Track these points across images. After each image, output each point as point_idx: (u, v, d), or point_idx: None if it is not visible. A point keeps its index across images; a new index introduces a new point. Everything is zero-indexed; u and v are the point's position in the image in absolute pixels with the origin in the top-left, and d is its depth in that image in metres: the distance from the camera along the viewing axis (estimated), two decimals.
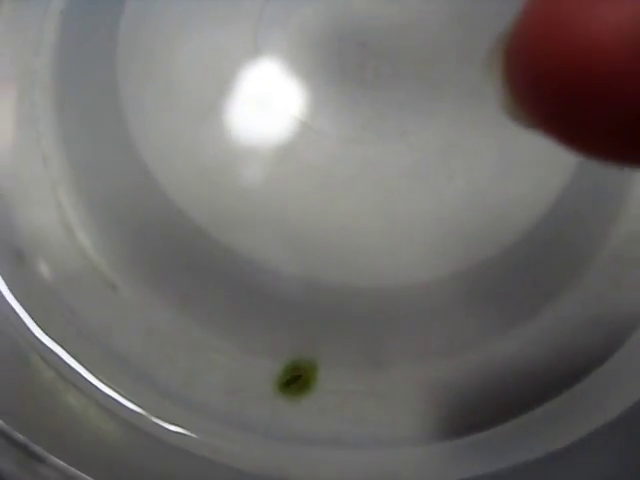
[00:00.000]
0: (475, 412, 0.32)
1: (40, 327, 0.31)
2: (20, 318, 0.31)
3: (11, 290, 0.31)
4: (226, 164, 0.32)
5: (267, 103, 0.33)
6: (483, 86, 0.33)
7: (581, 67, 0.15)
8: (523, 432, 0.32)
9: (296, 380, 0.31)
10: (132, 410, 0.31)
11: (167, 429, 0.31)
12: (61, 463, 0.27)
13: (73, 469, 0.27)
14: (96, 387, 0.31)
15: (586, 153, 0.16)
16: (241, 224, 0.32)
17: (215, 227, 0.32)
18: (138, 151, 0.32)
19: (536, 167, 0.33)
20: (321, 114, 0.33)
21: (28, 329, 0.31)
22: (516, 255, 0.33)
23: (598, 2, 0.15)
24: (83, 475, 0.27)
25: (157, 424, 0.31)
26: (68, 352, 0.31)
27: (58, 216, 0.33)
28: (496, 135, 0.33)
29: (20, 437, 0.27)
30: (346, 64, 0.34)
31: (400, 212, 0.32)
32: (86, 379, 0.31)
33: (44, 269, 0.32)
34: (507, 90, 0.17)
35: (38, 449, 0.27)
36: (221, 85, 0.33)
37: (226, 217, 0.32)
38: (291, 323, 0.32)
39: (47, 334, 0.31)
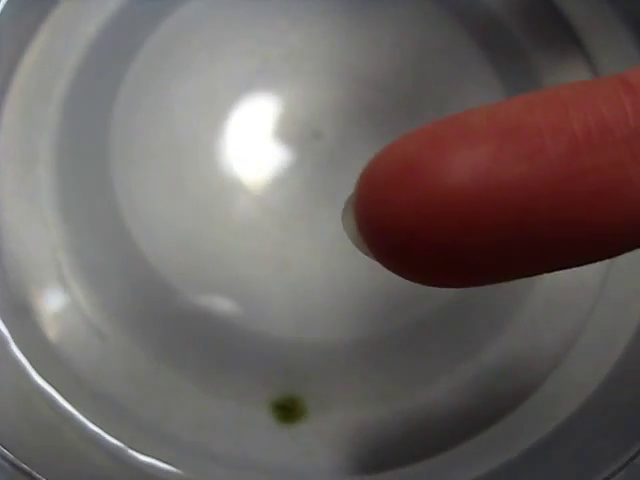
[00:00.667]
0: (397, 449, 0.38)
1: (39, 373, 0.37)
2: (23, 365, 0.37)
3: (16, 342, 0.37)
4: (198, 234, 0.39)
5: (231, 183, 0.39)
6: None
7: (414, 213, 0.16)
8: (445, 467, 0.38)
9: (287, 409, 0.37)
10: (114, 443, 0.37)
11: (143, 459, 0.37)
12: None
13: None
14: (85, 424, 0.37)
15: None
16: (209, 285, 0.38)
17: (188, 287, 0.38)
18: (125, 222, 0.39)
19: None
20: (278, 192, 0.39)
21: (29, 375, 0.37)
22: (443, 316, 0.39)
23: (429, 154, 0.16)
24: None
25: (134, 455, 0.37)
26: (62, 394, 0.37)
27: (57, 275, 0.39)
28: None
29: (24, 466, 0.33)
30: (302, 149, 0.40)
31: (340, 277, 0.39)
32: (77, 417, 0.37)
33: (44, 321, 0.38)
34: (357, 229, 0.18)
35: (38, 476, 0.33)
36: (191, 166, 0.39)
37: (197, 279, 0.38)
38: (250, 372, 0.38)
39: (45, 379, 0.37)
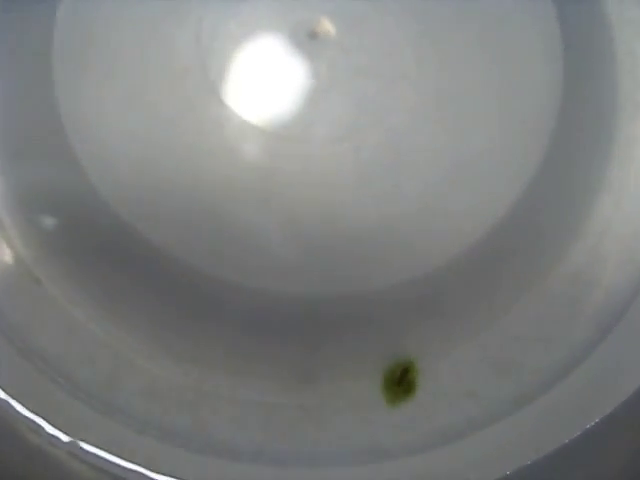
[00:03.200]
0: (407, 432, 0.30)
1: None
2: None
3: None
4: (159, 158, 0.31)
5: (210, 98, 0.31)
6: (440, 82, 0.31)
7: None
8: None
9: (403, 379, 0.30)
10: (45, 409, 0.29)
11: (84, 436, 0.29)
12: None
13: None
14: (10, 385, 0.29)
15: None
16: (171, 222, 0.30)
17: (144, 224, 0.30)
18: (69, 139, 0.31)
19: (491, 173, 0.31)
20: (265, 110, 0.31)
21: None
22: (463, 267, 0.31)
23: None
24: None
25: (73, 426, 0.29)
26: None
27: None
28: (450, 137, 0.31)
29: None
30: (297, 55, 0.31)
31: (341, 217, 0.30)
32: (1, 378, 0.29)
33: None
34: None
35: None
36: (158, 76, 0.31)
37: (156, 214, 0.30)
38: (218, 329, 0.30)
39: None
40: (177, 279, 0.30)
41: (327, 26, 0.31)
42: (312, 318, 0.30)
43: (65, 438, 0.28)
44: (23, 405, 0.29)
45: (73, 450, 0.28)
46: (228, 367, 0.30)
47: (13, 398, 0.29)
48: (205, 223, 0.30)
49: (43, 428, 0.28)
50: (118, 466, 0.28)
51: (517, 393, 0.31)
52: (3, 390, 0.29)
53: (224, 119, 0.30)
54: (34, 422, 0.29)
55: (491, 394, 0.31)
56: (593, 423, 0.29)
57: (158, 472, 0.29)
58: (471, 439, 0.30)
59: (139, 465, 0.29)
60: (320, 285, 0.30)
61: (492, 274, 0.31)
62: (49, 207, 0.31)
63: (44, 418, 0.29)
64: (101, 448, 0.29)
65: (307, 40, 0.31)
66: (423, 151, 0.31)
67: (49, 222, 0.31)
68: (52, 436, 0.28)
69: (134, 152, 0.31)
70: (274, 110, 0.31)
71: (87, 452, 0.28)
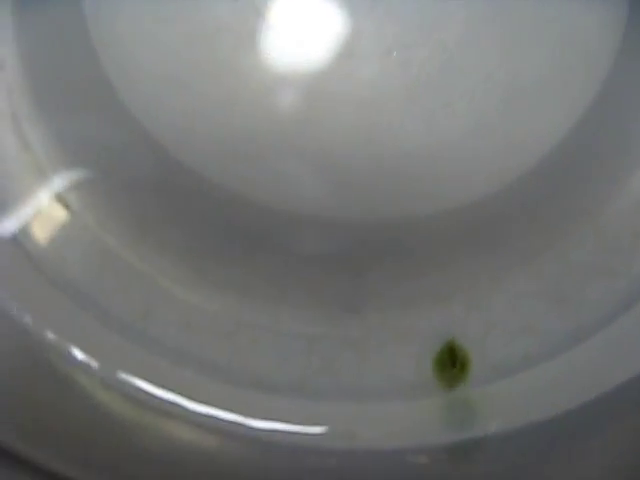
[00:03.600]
0: (460, 368, 0.28)
1: None
2: None
3: None
4: (193, 77, 0.29)
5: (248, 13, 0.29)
6: None
7: None
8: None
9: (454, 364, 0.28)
10: (80, 341, 0.28)
11: (117, 366, 0.28)
12: None
13: None
14: (42, 314, 0.28)
15: None
16: (206, 144, 0.29)
17: (178, 145, 0.29)
18: (100, 62, 0.29)
19: (548, 96, 0.29)
20: (305, 22, 0.29)
21: None
22: (519, 192, 0.29)
23: None
24: None
25: (106, 355, 0.28)
26: (15, 279, 0.28)
27: (12, 127, 0.30)
28: (504, 56, 0.29)
29: None
30: None
31: (388, 139, 0.29)
32: (32, 306, 0.28)
33: None
34: None
35: None
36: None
37: (191, 137, 0.29)
38: (258, 256, 0.29)
39: None
40: (214, 204, 0.29)
41: None
42: (358, 245, 0.29)
43: (97, 365, 0.27)
44: (55, 334, 0.28)
45: (106, 378, 0.27)
46: (268, 296, 0.29)
47: (45, 327, 0.28)
48: (242, 147, 0.29)
49: (75, 356, 0.27)
50: (152, 396, 0.27)
51: (576, 327, 0.29)
52: (34, 319, 0.28)
53: (262, 32, 0.29)
54: (67, 350, 0.27)
55: (548, 328, 0.29)
56: None
57: (195, 403, 0.27)
58: (527, 375, 0.28)
59: (175, 395, 0.27)
60: (366, 211, 0.29)
61: (548, 199, 0.29)
62: (79, 129, 0.30)
63: (77, 346, 0.27)
64: (136, 377, 0.27)
65: None
66: (475, 69, 0.29)
67: (79, 145, 0.30)
68: (84, 364, 0.27)
69: (167, 71, 0.29)
70: (315, 21, 0.29)
71: (120, 380, 0.27)
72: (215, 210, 0.29)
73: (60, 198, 0.29)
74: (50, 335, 0.28)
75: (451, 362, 0.28)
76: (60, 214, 0.29)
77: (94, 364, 0.27)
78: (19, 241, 0.29)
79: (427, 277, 0.29)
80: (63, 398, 0.27)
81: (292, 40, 0.29)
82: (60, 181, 0.29)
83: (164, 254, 0.29)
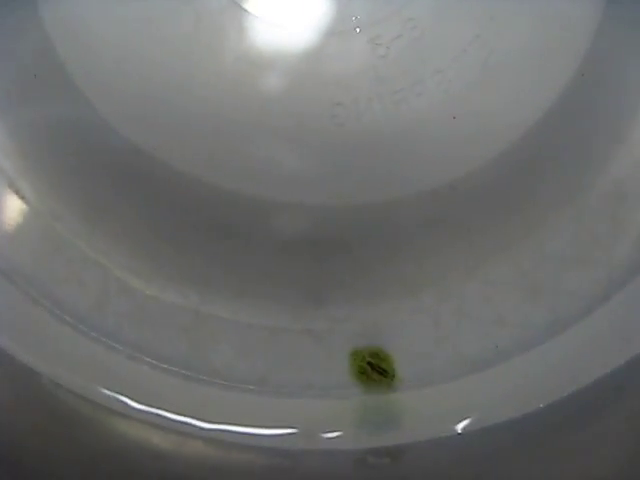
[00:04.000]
0: (428, 360, 0.27)
1: None
2: None
3: None
4: (151, 57, 0.27)
5: None
6: None
7: None
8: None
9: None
10: (29, 334, 0.27)
11: (68, 361, 0.26)
12: None
13: None
14: None
15: None
16: (160, 124, 0.27)
17: (131, 126, 0.27)
18: (52, 42, 0.27)
19: (525, 71, 0.27)
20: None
21: None
22: (492, 176, 0.27)
23: None
24: None
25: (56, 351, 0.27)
26: None
27: None
28: (479, 29, 0.27)
29: None
30: None
31: (354, 120, 0.27)
32: None
33: None
34: None
35: None
36: None
37: (148, 121, 0.27)
38: (217, 245, 0.27)
39: None
40: (171, 189, 0.27)
41: None
42: (323, 231, 0.27)
43: (46, 361, 0.25)
44: (3, 326, 0.26)
45: (55, 375, 0.25)
46: (229, 287, 0.27)
47: None
48: (201, 129, 0.27)
49: (24, 351, 0.26)
50: (104, 394, 0.26)
51: (551, 319, 0.27)
52: None
53: (227, 8, 0.27)
54: (15, 343, 0.26)
55: (522, 319, 0.27)
56: (636, 353, 0.26)
57: (148, 404, 0.26)
58: (499, 369, 0.27)
59: (126, 396, 0.26)
60: (331, 195, 0.27)
61: (525, 184, 0.28)
62: (29, 113, 0.28)
63: (25, 340, 0.26)
64: (86, 376, 0.26)
65: None
66: (448, 45, 0.27)
67: (30, 129, 0.28)
68: (33, 359, 0.25)
69: (123, 50, 0.27)
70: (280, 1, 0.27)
71: (71, 377, 0.25)
72: (173, 196, 0.27)
73: (12, 185, 0.28)
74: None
75: (373, 369, 0.27)
76: (10, 201, 0.28)
77: (43, 359, 0.26)
78: None
79: (396, 266, 0.27)
80: (11, 395, 0.25)
81: (258, 16, 0.27)
82: (10, 166, 0.28)
83: (119, 242, 0.27)
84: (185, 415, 0.26)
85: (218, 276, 0.27)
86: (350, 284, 0.27)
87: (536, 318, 0.27)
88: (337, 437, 0.26)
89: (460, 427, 0.26)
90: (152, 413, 0.26)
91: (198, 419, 0.26)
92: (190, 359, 0.27)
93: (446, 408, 0.27)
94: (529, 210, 0.28)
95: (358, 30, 0.27)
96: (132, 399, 0.26)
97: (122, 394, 0.26)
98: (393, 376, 0.26)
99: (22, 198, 0.28)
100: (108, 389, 0.26)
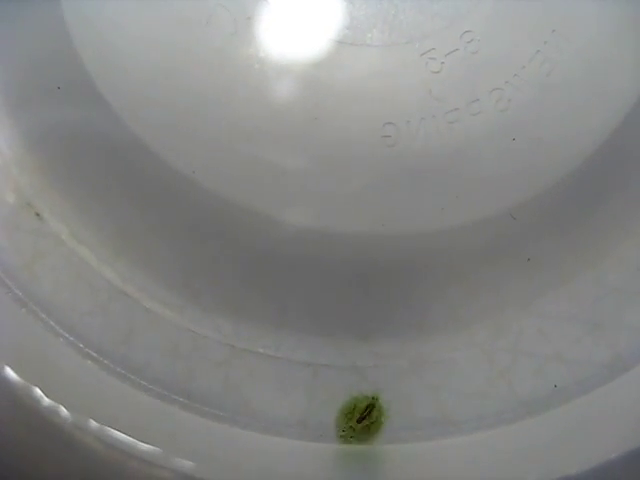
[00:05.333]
0: (482, 402, 0.25)
1: None
2: None
3: None
4: (180, 69, 0.25)
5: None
6: None
7: None
8: None
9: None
10: (50, 372, 0.24)
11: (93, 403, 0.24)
12: None
13: None
14: (5, 338, 0.24)
15: None
16: (199, 147, 0.25)
17: (168, 148, 0.25)
18: (77, 51, 0.25)
19: (587, 91, 0.25)
20: (314, 11, 0.25)
21: None
22: (552, 202, 0.25)
23: None
24: None
25: (80, 392, 0.24)
26: None
27: None
28: (538, 47, 0.25)
29: None
30: None
31: (405, 141, 0.25)
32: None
33: None
34: None
35: None
36: None
37: (180, 137, 0.25)
38: (257, 275, 0.25)
39: None
40: (205, 213, 0.25)
41: None
42: (369, 261, 0.25)
43: (67, 411, 0.23)
44: (22, 363, 0.24)
45: (78, 421, 0.23)
46: (269, 320, 0.25)
47: (11, 354, 0.24)
48: (239, 148, 0.25)
49: (44, 392, 0.23)
50: (134, 441, 0.23)
51: (613, 356, 0.25)
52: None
53: (263, 17, 0.25)
54: (34, 384, 0.24)
55: (582, 356, 0.25)
56: None
57: (178, 449, 0.24)
58: (559, 411, 0.25)
59: (158, 437, 0.24)
60: (377, 223, 0.25)
61: (587, 212, 0.26)
62: (50, 126, 0.26)
63: (46, 379, 0.24)
64: (113, 423, 0.23)
65: None
66: (507, 61, 0.25)
67: (50, 143, 0.26)
68: (53, 407, 0.23)
69: (153, 61, 0.25)
70: (321, 10, 0.25)
71: (96, 424, 0.23)
72: (206, 220, 0.25)
73: (30, 205, 0.25)
74: (16, 364, 0.24)
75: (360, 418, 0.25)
76: (30, 223, 0.26)
77: (66, 401, 0.24)
78: None
79: (448, 299, 0.25)
80: (32, 438, 0.23)
81: (298, 27, 0.25)
82: (29, 186, 0.26)
83: (147, 270, 0.25)
84: (217, 460, 0.24)
85: (256, 307, 0.25)
86: (398, 317, 0.25)
87: (597, 355, 0.25)
88: None
89: (514, 477, 0.24)
90: (182, 460, 0.24)
91: (230, 462, 0.24)
92: (225, 398, 0.25)
93: (498, 455, 0.25)
94: (591, 240, 0.26)
95: (410, 43, 0.25)
96: (162, 444, 0.24)
97: (151, 438, 0.24)
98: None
99: (42, 221, 0.25)
100: (135, 433, 0.24)
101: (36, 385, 0.23)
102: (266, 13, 0.25)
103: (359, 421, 0.25)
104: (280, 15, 0.25)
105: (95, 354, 0.25)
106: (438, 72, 0.25)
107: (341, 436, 0.25)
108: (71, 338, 0.25)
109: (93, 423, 0.23)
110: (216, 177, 0.25)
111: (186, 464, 0.23)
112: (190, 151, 0.25)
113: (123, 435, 0.23)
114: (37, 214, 0.26)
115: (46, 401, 0.23)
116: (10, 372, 0.23)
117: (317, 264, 0.25)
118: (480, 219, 0.25)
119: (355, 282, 0.25)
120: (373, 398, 0.25)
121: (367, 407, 0.25)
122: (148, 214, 0.25)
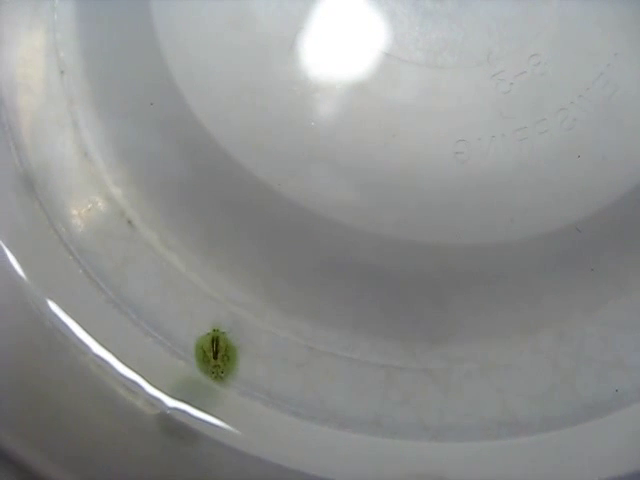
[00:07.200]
0: (546, 403, 0.26)
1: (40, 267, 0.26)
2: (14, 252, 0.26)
3: (14, 220, 0.27)
4: (264, 87, 0.27)
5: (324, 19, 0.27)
6: (586, 5, 0.27)
7: None
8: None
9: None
10: (142, 368, 0.26)
11: (185, 395, 0.26)
12: None
13: None
14: (100, 335, 0.26)
15: None
16: (282, 159, 0.27)
17: (251, 158, 0.27)
18: (168, 68, 0.27)
19: None
20: (385, 33, 0.27)
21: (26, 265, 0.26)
22: (616, 217, 0.27)
23: None
24: None
25: (173, 386, 0.26)
26: (73, 297, 0.27)
27: (73, 136, 0.28)
28: (602, 68, 0.27)
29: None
30: None
31: (475, 158, 0.26)
32: (91, 329, 0.26)
33: (54, 196, 0.28)
34: None
35: None
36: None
37: (262, 150, 0.27)
38: (336, 280, 0.27)
39: (47, 274, 0.26)
40: (286, 221, 0.27)
41: None
42: (442, 270, 0.27)
43: (167, 401, 0.25)
44: (116, 359, 0.26)
45: (173, 414, 0.25)
46: (345, 324, 0.27)
47: (105, 351, 0.26)
48: (314, 159, 0.27)
49: (141, 387, 0.25)
50: (214, 426, 0.25)
51: None
52: (95, 342, 0.26)
53: (338, 40, 0.27)
54: (130, 380, 0.25)
55: None
56: None
57: (260, 441, 0.26)
58: (620, 414, 0.26)
59: (238, 430, 0.26)
60: (450, 235, 0.26)
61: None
62: (141, 139, 0.28)
63: (140, 375, 0.26)
64: (203, 410, 0.25)
65: None
66: (572, 82, 0.27)
67: (142, 155, 0.28)
68: (152, 397, 0.25)
69: (239, 80, 0.27)
70: (395, 32, 0.27)
71: (189, 415, 0.25)
72: (288, 229, 0.27)
73: (122, 213, 0.27)
74: (110, 359, 0.26)
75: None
76: (122, 230, 0.27)
77: (161, 395, 0.25)
78: (77, 258, 0.27)
79: (516, 307, 0.27)
80: (127, 435, 0.25)
81: (374, 50, 0.27)
82: (122, 195, 0.27)
83: (232, 276, 0.27)
84: (296, 454, 0.26)
85: (333, 311, 0.27)
86: (468, 323, 0.27)
87: None
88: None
89: (577, 477, 0.25)
90: (263, 450, 0.26)
91: (308, 458, 0.26)
92: (303, 396, 0.26)
93: (561, 455, 0.26)
94: None
95: (481, 65, 0.26)
96: (243, 435, 0.25)
97: (234, 428, 0.25)
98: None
99: (134, 228, 0.27)
100: (219, 423, 0.25)
101: (131, 374, 0.25)
102: (340, 36, 0.27)
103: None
104: (353, 37, 0.27)
105: (182, 353, 0.27)
106: (507, 92, 0.26)
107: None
108: (160, 337, 0.27)
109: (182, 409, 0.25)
110: (298, 189, 0.26)
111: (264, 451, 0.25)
112: (273, 165, 0.26)
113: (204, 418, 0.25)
114: (129, 221, 0.27)
115: (148, 391, 0.25)
116: (109, 358, 0.25)
117: (392, 272, 0.27)
118: (547, 232, 0.26)
119: (428, 290, 0.27)
120: None
121: None
122: (234, 223, 0.27)
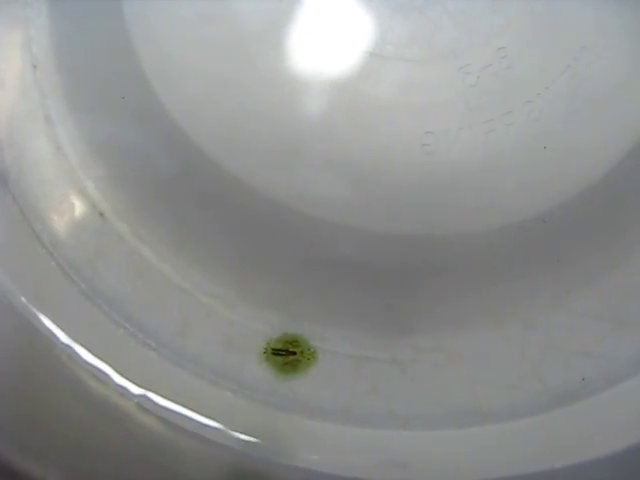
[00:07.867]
0: (513, 392, 0.27)
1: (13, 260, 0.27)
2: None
3: None
4: (235, 80, 0.27)
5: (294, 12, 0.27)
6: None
7: None
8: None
9: (287, 354, 0.26)
10: (113, 358, 0.26)
11: (152, 386, 0.26)
12: None
13: None
14: (74, 329, 0.27)
15: None
16: (251, 149, 0.27)
17: (223, 154, 0.27)
18: (140, 62, 0.27)
19: (615, 104, 0.27)
20: (355, 27, 0.27)
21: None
22: (581, 207, 0.27)
23: None
24: None
25: (142, 376, 0.26)
26: (46, 290, 0.27)
27: (45, 129, 0.28)
28: (568, 62, 0.27)
29: None
30: None
31: (442, 150, 0.27)
32: (63, 321, 0.27)
33: (27, 190, 0.28)
34: None
35: None
36: None
37: (234, 144, 0.27)
38: (305, 272, 0.27)
39: (20, 267, 0.27)
40: (256, 214, 0.27)
41: None
42: (409, 261, 0.27)
43: (135, 389, 0.25)
44: (87, 350, 0.26)
45: (142, 402, 0.25)
46: (315, 315, 0.27)
47: (76, 342, 0.26)
48: (291, 155, 0.27)
49: (111, 378, 0.26)
50: (190, 419, 0.25)
51: (637, 352, 0.27)
52: (67, 334, 0.26)
53: (308, 35, 0.27)
54: (101, 370, 0.26)
55: (608, 352, 0.27)
56: None
57: (233, 429, 0.26)
58: (586, 403, 0.26)
59: (213, 420, 0.26)
60: (418, 225, 0.27)
61: (613, 217, 0.27)
62: (113, 131, 0.28)
63: (111, 366, 0.26)
64: (172, 400, 0.26)
65: None
66: (539, 75, 0.27)
67: (115, 149, 0.28)
68: (120, 387, 0.25)
69: (210, 72, 0.27)
70: (364, 27, 0.27)
71: (157, 404, 0.25)
72: (257, 220, 0.27)
73: (94, 205, 0.28)
74: (81, 351, 0.26)
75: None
76: (94, 223, 0.28)
77: (128, 384, 0.26)
78: (50, 251, 0.27)
79: (483, 296, 0.27)
80: (96, 421, 0.25)
81: (342, 43, 0.27)
82: (94, 188, 0.28)
83: (203, 268, 0.27)
84: (266, 443, 0.26)
85: (304, 304, 0.27)
86: (436, 314, 0.27)
87: (622, 351, 0.27)
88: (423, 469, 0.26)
89: (544, 464, 0.26)
90: (231, 438, 0.26)
91: (280, 447, 0.26)
92: (273, 386, 0.27)
93: (528, 442, 0.26)
94: (616, 242, 0.27)
95: (448, 58, 0.27)
96: (217, 423, 0.26)
97: (205, 418, 0.26)
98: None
99: (106, 220, 0.28)
100: (191, 415, 0.26)
101: (102, 364, 0.25)
102: (312, 31, 0.27)
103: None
104: (324, 31, 0.27)
105: (154, 344, 0.27)
106: (474, 85, 0.27)
107: None
108: (132, 329, 0.27)
109: (152, 400, 0.25)
110: (264, 181, 0.27)
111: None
112: (244, 159, 0.27)
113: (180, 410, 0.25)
114: (101, 214, 0.28)
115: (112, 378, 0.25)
116: (80, 350, 0.25)
117: (361, 263, 0.27)
118: (514, 222, 0.27)
119: (396, 280, 0.27)
120: None
121: None
122: (205, 216, 0.27)
